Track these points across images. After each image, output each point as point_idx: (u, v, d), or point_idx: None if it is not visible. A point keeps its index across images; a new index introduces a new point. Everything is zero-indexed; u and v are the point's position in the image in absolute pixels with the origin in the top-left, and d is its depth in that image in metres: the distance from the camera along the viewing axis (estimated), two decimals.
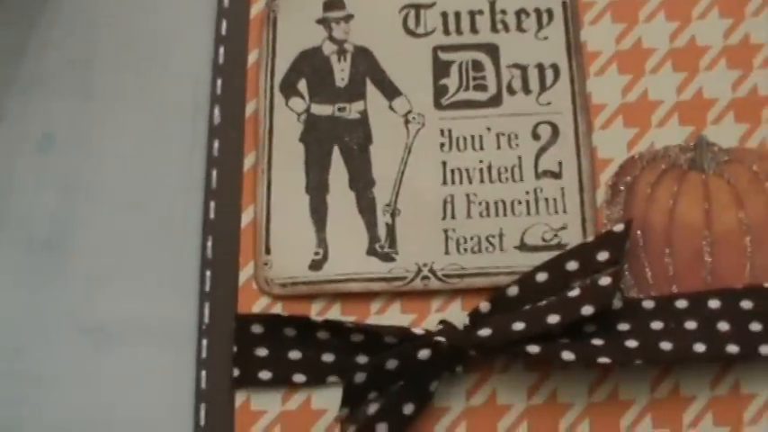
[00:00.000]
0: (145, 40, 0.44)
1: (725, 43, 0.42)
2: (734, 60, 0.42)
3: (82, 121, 0.43)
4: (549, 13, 0.43)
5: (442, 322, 0.39)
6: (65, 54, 0.44)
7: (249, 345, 0.39)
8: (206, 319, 0.40)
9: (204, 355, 0.40)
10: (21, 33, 0.45)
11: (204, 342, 0.40)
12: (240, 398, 0.39)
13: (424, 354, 0.38)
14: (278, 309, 0.40)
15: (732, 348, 0.37)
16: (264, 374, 0.39)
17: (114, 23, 0.45)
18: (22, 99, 0.44)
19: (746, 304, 0.38)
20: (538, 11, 0.43)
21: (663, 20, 0.43)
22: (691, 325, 0.38)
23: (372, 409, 0.38)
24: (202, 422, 0.39)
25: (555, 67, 0.42)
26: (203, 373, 0.40)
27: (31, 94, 0.44)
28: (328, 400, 0.39)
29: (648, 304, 0.39)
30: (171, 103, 0.43)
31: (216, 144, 0.42)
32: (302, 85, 0.42)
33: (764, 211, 0.40)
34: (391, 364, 0.38)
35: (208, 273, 0.41)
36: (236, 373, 0.39)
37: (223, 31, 0.44)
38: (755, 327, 0.38)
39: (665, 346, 0.38)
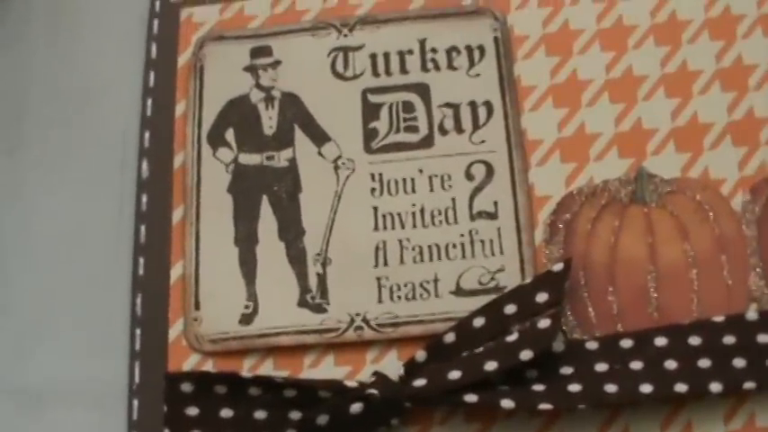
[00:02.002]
0: (74, 94, 0.44)
1: (662, 71, 0.41)
2: (672, 88, 0.41)
3: (9, 176, 0.43)
4: (481, 49, 0.42)
5: (375, 374, 0.37)
6: None
7: (179, 404, 0.38)
8: (136, 379, 0.39)
9: (135, 416, 0.38)
10: None
11: (135, 402, 0.39)
12: None
13: (356, 407, 0.36)
14: (209, 366, 0.39)
15: (680, 387, 0.36)
16: None
17: (43, 78, 0.44)
18: None
19: (694, 340, 0.37)
20: (469, 48, 0.42)
21: (598, 50, 0.42)
22: (636, 365, 0.37)
23: None
24: None
25: (488, 105, 0.41)
26: None
27: None
28: None
29: (592, 345, 0.37)
30: (100, 157, 0.43)
31: (144, 198, 0.41)
32: (230, 135, 0.42)
33: (710, 242, 0.39)
34: (322, 419, 0.36)
35: (138, 331, 0.40)
36: None
37: (151, 83, 0.43)
38: (704, 363, 0.36)
39: (610, 388, 0.36)
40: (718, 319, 0.37)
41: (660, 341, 0.37)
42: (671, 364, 0.36)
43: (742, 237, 0.39)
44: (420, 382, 0.36)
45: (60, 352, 0.40)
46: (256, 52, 0.43)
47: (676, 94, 0.41)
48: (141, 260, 0.41)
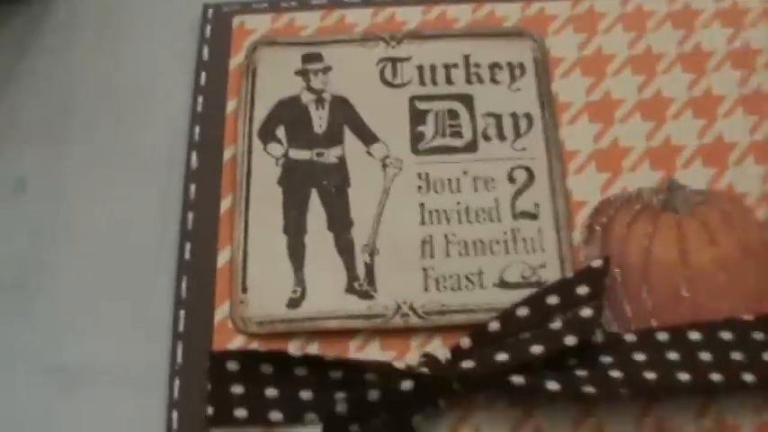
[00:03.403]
0: (123, 91, 0.45)
1: (689, 95, 0.44)
2: (699, 110, 0.44)
3: (56, 166, 0.43)
4: (522, 66, 0.45)
5: (424, 355, 0.38)
6: (42, 102, 0.45)
7: (224, 382, 0.38)
8: (179, 360, 0.39)
9: (176, 395, 0.38)
10: None
11: (176, 382, 0.39)
12: None
13: (406, 385, 0.37)
14: (255, 347, 0.39)
15: (715, 377, 0.37)
16: (240, 412, 0.38)
17: (94, 74, 0.45)
18: None
19: (726, 335, 0.39)
20: (510, 65, 0.45)
21: (629, 74, 0.45)
22: (673, 356, 0.38)
23: None
24: None
25: (528, 116, 0.43)
26: (174, 414, 0.38)
27: (6, 138, 0.44)
28: None
29: (630, 337, 0.39)
30: (147, 151, 0.44)
31: (192, 188, 0.42)
32: (281, 132, 0.43)
33: (737, 249, 0.41)
34: (373, 395, 0.37)
35: (182, 313, 0.40)
36: (210, 411, 0.38)
37: (202, 82, 0.44)
38: (737, 356, 0.38)
39: (650, 375, 0.37)
40: (748, 317, 0.39)
41: (694, 336, 0.39)
42: (706, 356, 0.38)
43: (766, 245, 0.41)
44: (468, 364, 0.37)
45: (102, 333, 0.40)
46: (308, 58, 0.45)
47: (703, 116, 0.44)
48: (188, 246, 0.41)
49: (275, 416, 0.38)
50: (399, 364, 0.38)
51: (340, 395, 0.37)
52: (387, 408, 0.37)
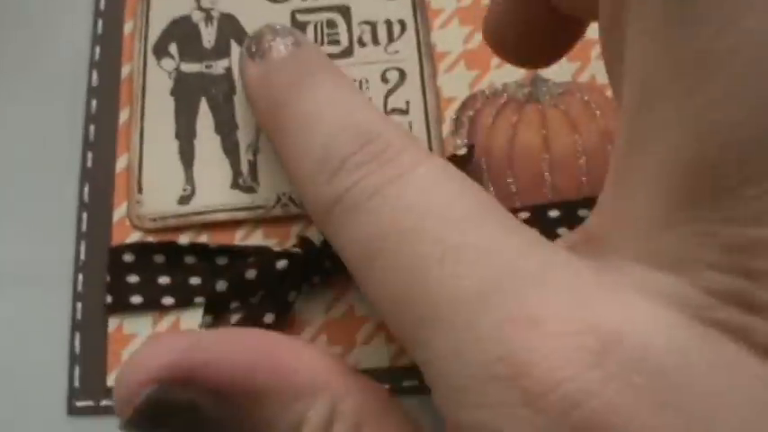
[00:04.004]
0: (29, 19, 0.48)
1: None
2: None
3: None
4: None
5: (299, 237, 0.41)
6: None
7: (121, 273, 0.42)
8: (82, 257, 0.43)
9: (80, 289, 0.42)
10: None
11: (80, 277, 0.42)
12: (113, 323, 0.41)
13: (281, 264, 0.40)
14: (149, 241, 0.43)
15: None
16: (136, 299, 0.41)
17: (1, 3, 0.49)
18: None
19: (583, 212, 0.42)
20: None
21: None
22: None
23: (234, 318, 0.41)
24: (77, 350, 0.41)
25: (402, 22, 0.46)
26: (79, 305, 0.42)
27: None
28: (196, 320, 0.41)
29: None
30: (52, 70, 0.47)
31: (94, 103, 0.46)
32: (173, 48, 0.46)
33: (597, 135, 0.44)
34: (251, 274, 0.40)
35: (84, 215, 0.44)
36: (108, 299, 0.41)
37: (102, 7, 0.48)
38: None
39: None
40: None
41: (553, 213, 0.42)
42: (563, 231, 0.41)
43: None
44: None
45: (12, 238, 0.44)
46: None
47: None
48: (90, 155, 0.45)
49: (167, 300, 0.41)
50: (278, 249, 0.41)
51: (225, 276, 0.41)
52: (264, 286, 0.40)
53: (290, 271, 0.40)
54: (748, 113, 0.25)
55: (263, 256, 0.41)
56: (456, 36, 0.46)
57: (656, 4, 0.26)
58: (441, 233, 0.29)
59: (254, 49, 0.39)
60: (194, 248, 0.42)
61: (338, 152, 0.33)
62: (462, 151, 0.43)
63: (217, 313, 0.41)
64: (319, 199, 0.33)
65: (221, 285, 0.40)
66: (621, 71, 0.29)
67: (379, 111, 0.37)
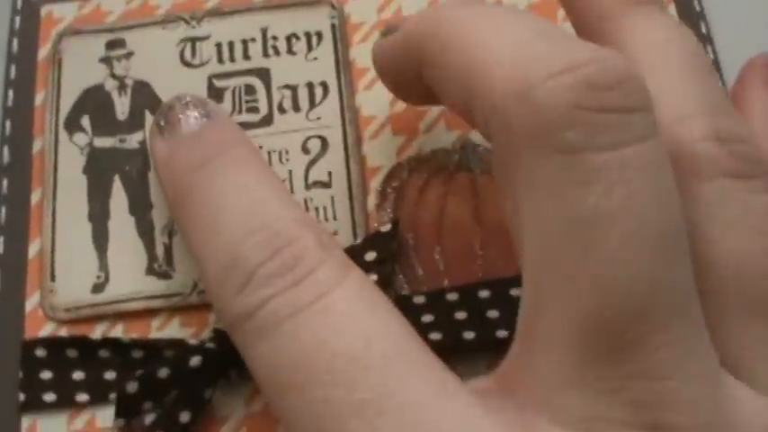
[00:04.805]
0: None
1: None
2: None
3: None
4: (319, 35, 0.45)
5: (213, 330, 0.40)
6: None
7: (34, 369, 0.40)
8: None
9: None
10: None
11: None
12: (26, 422, 0.40)
13: (195, 361, 0.38)
14: (63, 334, 0.41)
15: (501, 333, 0.39)
16: (49, 396, 0.40)
17: None
18: None
19: (515, 292, 0.40)
20: (308, 34, 0.45)
21: None
22: (461, 315, 0.39)
23: (149, 419, 0.39)
24: None
25: (324, 85, 0.44)
26: None
27: None
28: (112, 417, 0.40)
29: (419, 300, 0.40)
30: None
31: (5, 182, 0.44)
32: (85, 121, 0.44)
33: None
34: (163, 372, 0.38)
35: None
36: (21, 398, 0.40)
37: (12, 76, 0.46)
38: None
39: (435, 336, 0.39)
40: None
41: (484, 293, 0.40)
42: (493, 314, 0.39)
43: None
44: None
45: None
46: (111, 44, 0.46)
47: None
48: (1, 239, 0.43)
49: (82, 397, 0.40)
50: (193, 341, 0.40)
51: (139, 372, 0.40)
52: (177, 384, 0.39)
53: (204, 367, 0.39)
54: (639, 270, 0.25)
55: (177, 350, 0.39)
56: (382, 98, 0.44)
57: (549, 169, 0.26)
58: (356, 378, 0.27)
59: (162, 123, 0.37)
60: (106, 342, 0.40)
61: (247, 261, 0.31)
62: (386, 228, 0.41)
63: (129, 415, 0.39)
64: (228, 311, 0.32)
65: (132, 387, 0.38)
66: (518, 223, 0.29)
67: (294, 201, 0.35)
